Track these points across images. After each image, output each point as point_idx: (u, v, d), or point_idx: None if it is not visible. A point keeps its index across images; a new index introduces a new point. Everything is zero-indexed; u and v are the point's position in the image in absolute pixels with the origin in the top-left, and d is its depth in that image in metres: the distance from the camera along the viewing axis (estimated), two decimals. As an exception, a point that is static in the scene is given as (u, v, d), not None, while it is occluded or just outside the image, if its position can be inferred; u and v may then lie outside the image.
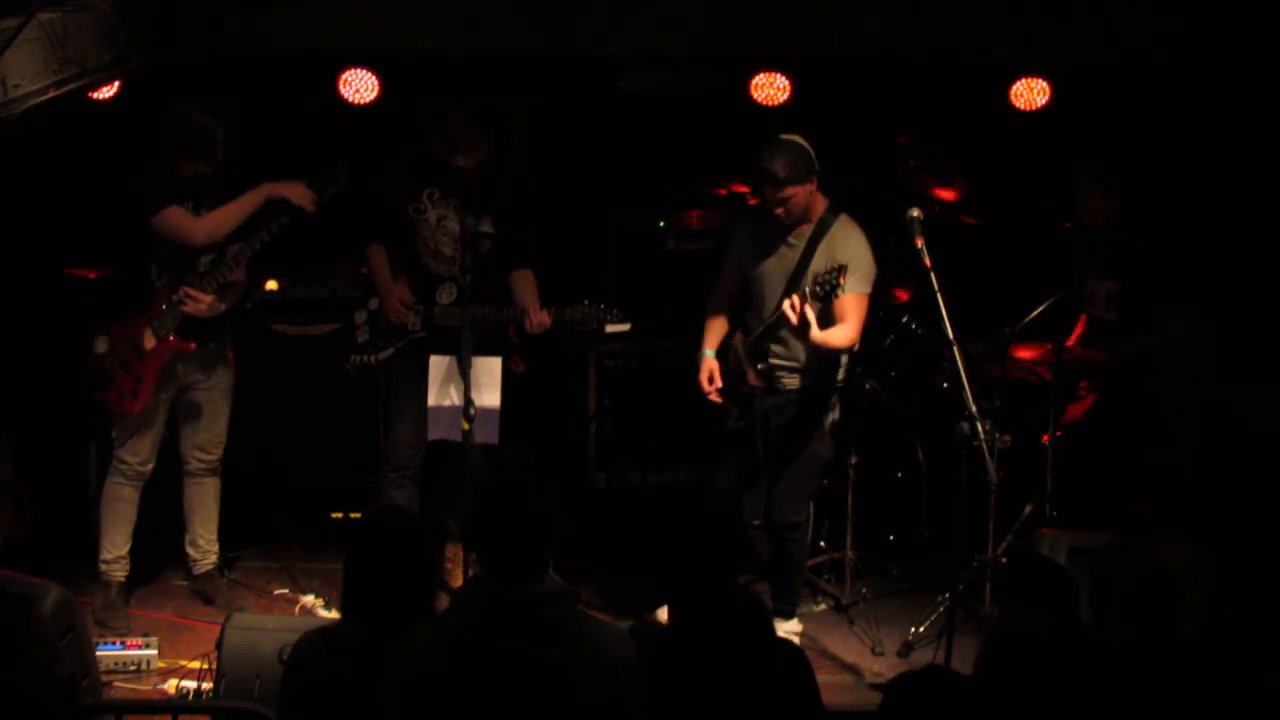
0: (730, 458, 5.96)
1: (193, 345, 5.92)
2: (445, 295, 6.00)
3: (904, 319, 6.89)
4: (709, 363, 5.84)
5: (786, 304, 5.35)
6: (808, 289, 5.34)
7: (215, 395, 6.09)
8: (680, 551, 3.93)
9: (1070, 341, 6.49)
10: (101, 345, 5.89)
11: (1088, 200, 6.37)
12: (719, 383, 5.82)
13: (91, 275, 6.07)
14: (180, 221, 5.83)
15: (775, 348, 5.73)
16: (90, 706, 4.30)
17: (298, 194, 5.84)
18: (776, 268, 5.71)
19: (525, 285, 6.00)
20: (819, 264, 5.56)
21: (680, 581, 3.89)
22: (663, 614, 6.14)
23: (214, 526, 6.23)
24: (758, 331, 5.70)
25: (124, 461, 6.00)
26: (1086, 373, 6.49)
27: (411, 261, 6.07)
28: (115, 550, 6.05)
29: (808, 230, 5.64)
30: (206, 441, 6.12)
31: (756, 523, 6.06)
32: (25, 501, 6.40)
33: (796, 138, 5.56)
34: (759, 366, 5.70)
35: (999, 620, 5.16)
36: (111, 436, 6.03)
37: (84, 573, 6.11)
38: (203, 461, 6.13)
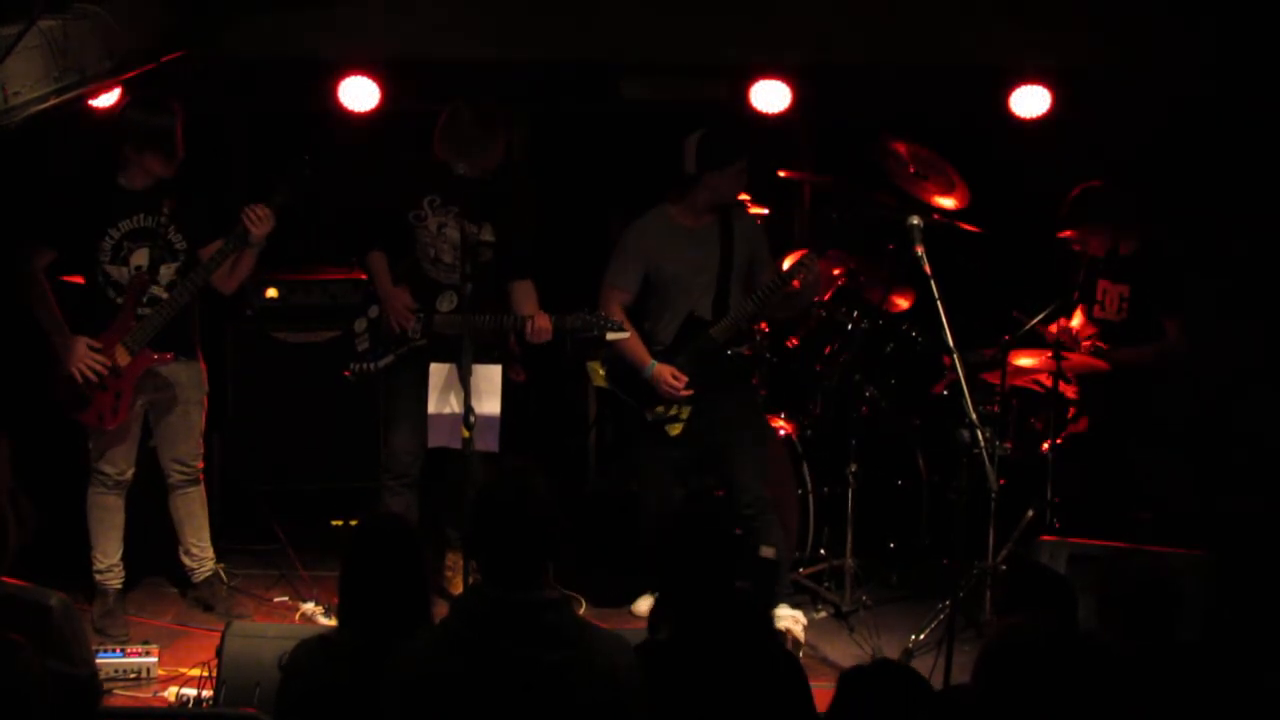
0: (663, 461, 6.09)
1: (170, 355, 5.88)
2: (445, 303, 6.00)
3: (904, 327, 6.89)
4: (663, 369, 5.92)
5: (805, 265, 5.77)
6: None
7: (189, 408, 6.04)
8: (677, 555, 3.92)
9: (1071, 325, 6.49)
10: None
11: (1084, 231, 6.42)
12: (684, 379, 5.91)
13: (82, 282, 6.05)
14: (37, 266, 5.79)
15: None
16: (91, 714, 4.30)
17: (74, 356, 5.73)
18: (702, 262, 5.94)
19: (525, 295, 6.01)
20: (743, 247, 5.96)
21: (678, 584, 3.88)
22: (640, 606, 6.18)
23: (205, 533, 6.22)
24: (729, 320, 5.91)
25: (102, 473, 5.98)
26: (1088, 382, 6.49)
27: (411, 269, 6.07)
28: (107, 559, 6.05)
29: (714, 220, 5.95)
30: (184, 454, 6.08)
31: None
32: (26, 508, 6.41)
33: None
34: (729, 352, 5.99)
35: (993, 628, 5.17)
36: (88, 448, 6.01)
37: (82, 581, 6.11)
38: (183, 474, 6.10)
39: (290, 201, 5.80)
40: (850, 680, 3.17)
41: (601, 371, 6.09)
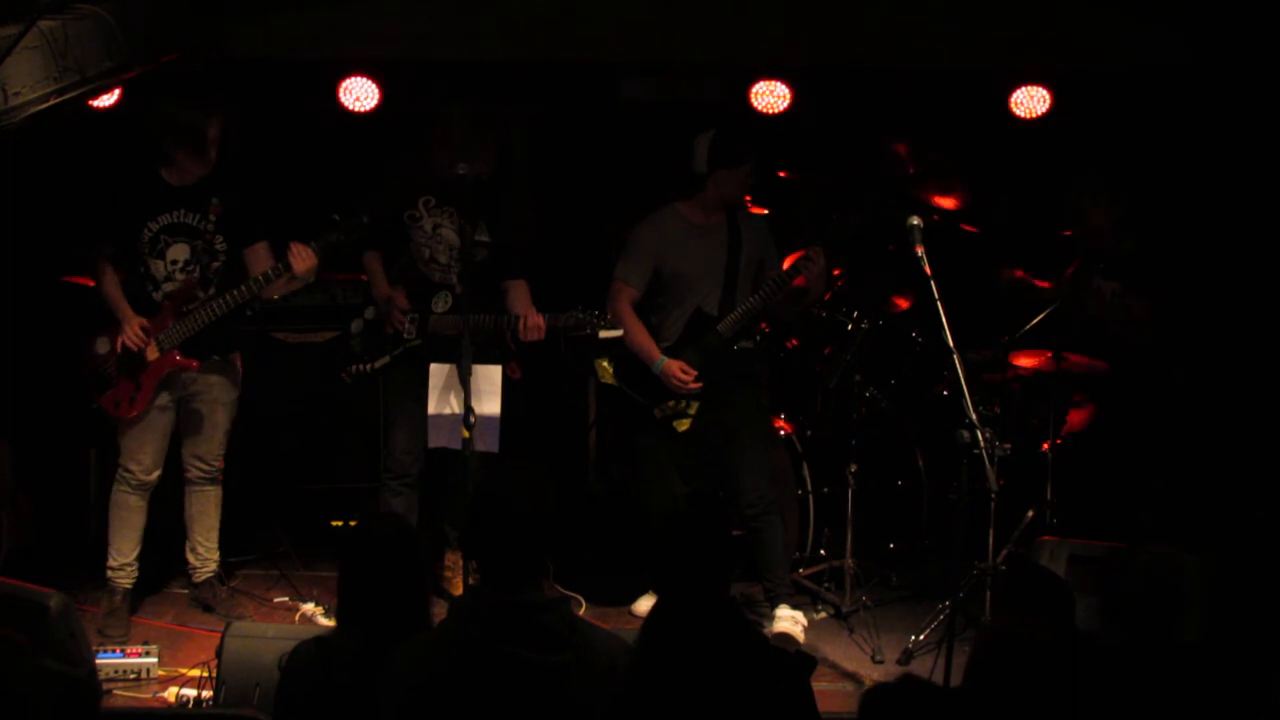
0: (668, 458, 6.07)
1: (195, 364, 5.89)
2: (440, 304, 6.00)
3: (904, 327, 6.89)
4: (673, 364, 5.95)
5: (811, 259, 5.79)
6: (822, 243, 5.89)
7: (217, 407, 6.06)
8: (676, 554, 3.91)
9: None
10: (103, 346, 5.87)
11: (1086, 214, 6.42)
12: (694, 372, 5.92)
13: (91, 284, 6.06)
14: (104, 259, 5.89)
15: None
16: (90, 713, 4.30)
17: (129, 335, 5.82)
18: (710, 259, 5.99)
19: (519, 294, 6.02)
20: (751, 246, 6.00)
21: (676, 584, 3.86)
22: (641, 606, 6.18)
23: (214, 535, 6.23)
24: (736, 315, 5.93)
25: (128, 470, 5.98)
26: (1087, 381, 6.50)
27: (407, 269, 6.07)
28: (121, 558, 6.04)
29: (723, 219, 6.01)
30: (205, 452, 6.10)
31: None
32: (26, 508, 6.43)
33: None
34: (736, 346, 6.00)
35: (984, 629, 5.17)
36: (118, 444, 6.01)
37: (84, 579, 6.12)
38: (202, 471, 6.12)
39: (341, 245, 5.85)
40: (875, 697, 3.15)
41: (609, 368, 6.09)
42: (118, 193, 5.90)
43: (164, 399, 5.94)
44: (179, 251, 5.88)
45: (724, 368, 5.97)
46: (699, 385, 5.93)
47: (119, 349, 5.84)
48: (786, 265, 6.08)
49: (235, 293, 5.84)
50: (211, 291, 5.89)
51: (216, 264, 5.93)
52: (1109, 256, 6.42)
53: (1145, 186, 6.58)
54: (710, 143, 5.91)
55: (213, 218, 5.87)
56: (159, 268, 5.88)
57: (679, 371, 5.92)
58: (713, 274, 5.99)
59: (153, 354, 5.84)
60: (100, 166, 6.18)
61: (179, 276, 5.90)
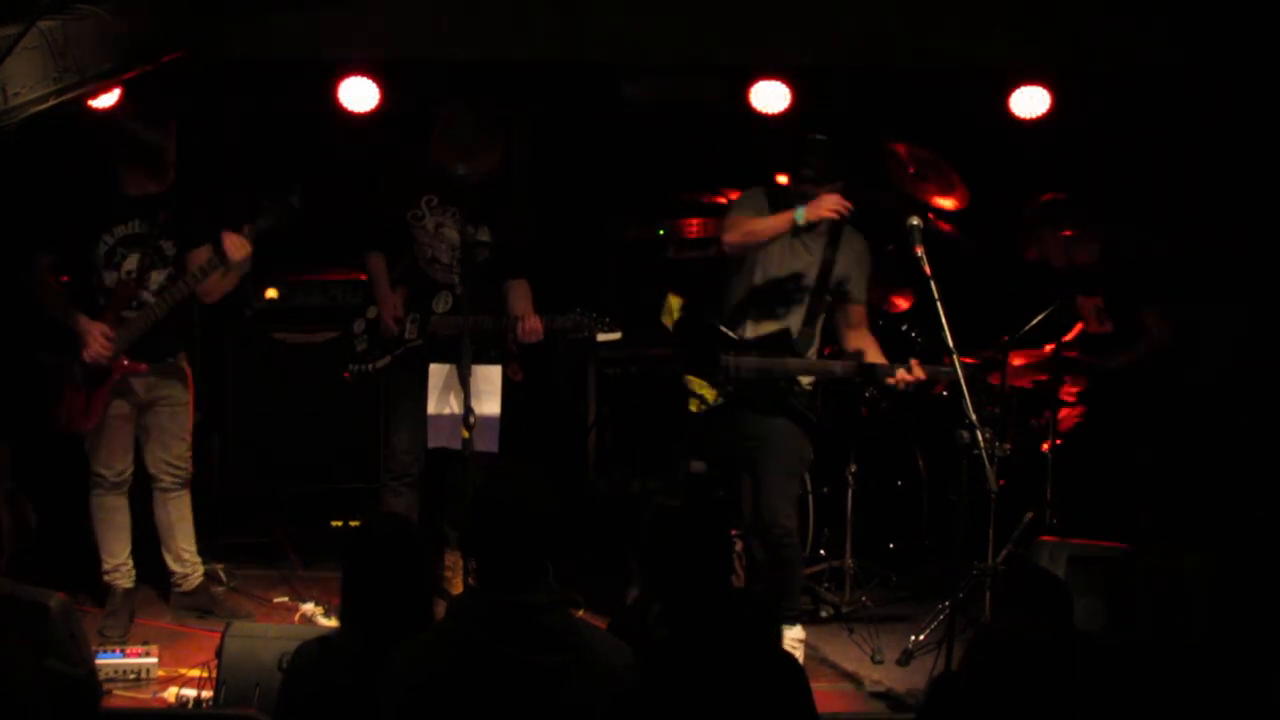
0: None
1: (144, 366, 5.85)
2: (441, 304, 6.01)
3: (904, 327, 6.89)
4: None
5: (901, 373, 5.54)
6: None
7: (175, 409, 6.01)
8: (674, 555, 3.91)
9: (1068, 337, 6.52)
10: (50, 360, 5.84)
11: (1044, 240, 6.45)
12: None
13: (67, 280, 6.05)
14: (41, 269, 5.83)
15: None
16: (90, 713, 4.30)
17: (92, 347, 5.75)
18: (800, 270, 5.75)
19: (520, 294, 6.01)
20: (843, 265, 5.72)
21: (674, 585, 3.87)
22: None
23: (194, 539, 6.19)
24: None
25: (98, 474, 5.97)
26: (1084, 376, 6.50)
27: (411, 269, 6.08)
28: (113, 559, 6.04)
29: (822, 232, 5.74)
30: (175, 456, 6.05)
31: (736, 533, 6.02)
32: (25, 510, 6.43)
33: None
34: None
35: (979, 631, 5.17)
36: (85, 450, 5.99)
37: (86, 581, 6.12)
38: (174, 476, 6.07)
39: (274, 230, 5.80)
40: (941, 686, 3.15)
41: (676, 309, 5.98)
42: (74, 203, 5.88)
43: (120, 407, 5.89)
44: (132, 262, 5.85)
45: (771, 396, 5.81)
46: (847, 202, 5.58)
47: (82, 360, 5.75)
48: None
49: (174, 290, 5.80)
50: (153, 294, 5.84)
51: (166, 270, 5.87)
52: (1075, 274, 6.44)
53: (1098, 192, 6.60)
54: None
55: (161, 219, 5.82)
56: (113, 279, 5.84)
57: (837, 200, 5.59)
58: (793, 285, 5.80)
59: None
60: (53, 174, 6.17)
61: None
